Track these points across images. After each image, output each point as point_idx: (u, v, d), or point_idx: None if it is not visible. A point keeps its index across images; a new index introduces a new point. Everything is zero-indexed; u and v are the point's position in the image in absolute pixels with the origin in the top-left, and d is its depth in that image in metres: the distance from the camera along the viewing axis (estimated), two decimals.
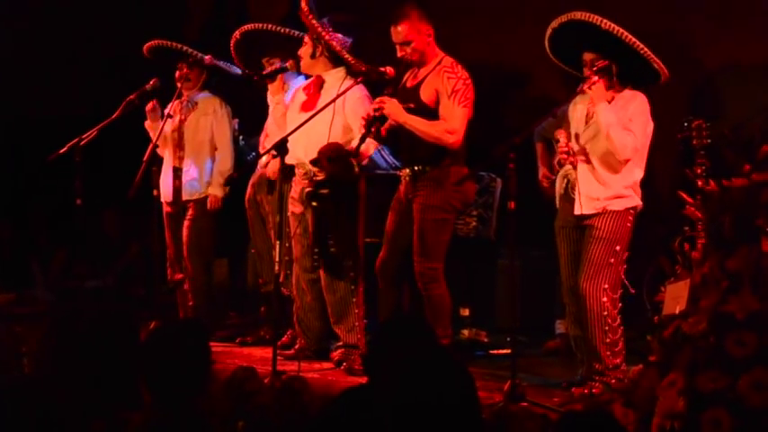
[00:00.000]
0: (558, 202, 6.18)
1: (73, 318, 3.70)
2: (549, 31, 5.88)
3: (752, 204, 4.16)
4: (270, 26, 7.03)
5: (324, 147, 6.37)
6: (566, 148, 5.92)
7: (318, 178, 6.44)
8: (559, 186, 6.11)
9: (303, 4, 6.46)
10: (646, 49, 5.63)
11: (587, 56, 5.86)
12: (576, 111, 6.00)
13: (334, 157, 6.33)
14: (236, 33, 7.16)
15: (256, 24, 7.09)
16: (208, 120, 7.49)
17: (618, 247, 5.76)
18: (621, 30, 5.61)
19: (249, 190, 7.41)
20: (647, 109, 5.79)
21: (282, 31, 6.98)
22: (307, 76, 6.93)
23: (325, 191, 6.40)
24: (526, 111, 7.83)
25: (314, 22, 6.46)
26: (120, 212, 9.13)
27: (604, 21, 5.63)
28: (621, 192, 5.79)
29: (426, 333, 3.97)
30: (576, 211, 5.87)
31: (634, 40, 5.63)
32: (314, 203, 6.44)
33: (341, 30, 6.58)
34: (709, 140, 5.98)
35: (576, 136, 5.94)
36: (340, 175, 6.37)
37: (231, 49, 7.23)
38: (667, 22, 7.27)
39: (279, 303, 6.46)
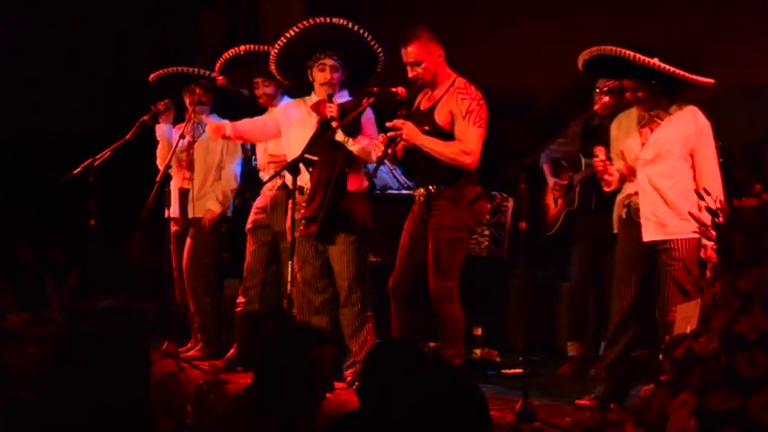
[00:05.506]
0: (617, 227, 6.04)
1: (80, 339, 3.71)
2: (581, 62, 5.83)
3: (762, 224, 4.16)
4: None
5: None
6: (602, 165, 5.89)
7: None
8: (620, 210, 5.99)
9: (349, 24, 6.40)
10: (682, 72, 5.60)
11: (626, 83, 5.88)
12: (622, 128, 5.93)
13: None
14: (218, 65, 7.16)
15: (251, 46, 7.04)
16: (218, 143, 7.49)
17: (693, 270, 5.52)
18: (655, 62, 5.57)
19: (254, 215, 7.26)
20: (710, 132, 5.74)
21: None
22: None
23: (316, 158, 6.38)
24: (536, 131, 7.86)
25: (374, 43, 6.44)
26: (145, 236, 9.15)
27: (637, 56, 5.57)
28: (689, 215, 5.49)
29: (425, 354, 4.00)
30: (646, 238, 5.75)
31: (669, 67, 5.59)
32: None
33: None
34: (720, 160, 5.98)
35: (625, 154, 5.88)
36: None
37: (217, 69, 7.20)
38: (678, 41, 7.29)
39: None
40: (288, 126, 6.73)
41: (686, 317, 4.34)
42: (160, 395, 5.36)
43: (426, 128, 6.18)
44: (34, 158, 9.36)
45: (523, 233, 5.54)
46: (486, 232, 7.28)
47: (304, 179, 6.41)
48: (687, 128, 5.71)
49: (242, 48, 7.03)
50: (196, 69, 7.41)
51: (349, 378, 6.53)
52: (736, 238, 4.16)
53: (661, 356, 6.21)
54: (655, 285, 5.80)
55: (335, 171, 6.37)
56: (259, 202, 7.28)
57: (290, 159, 6.45)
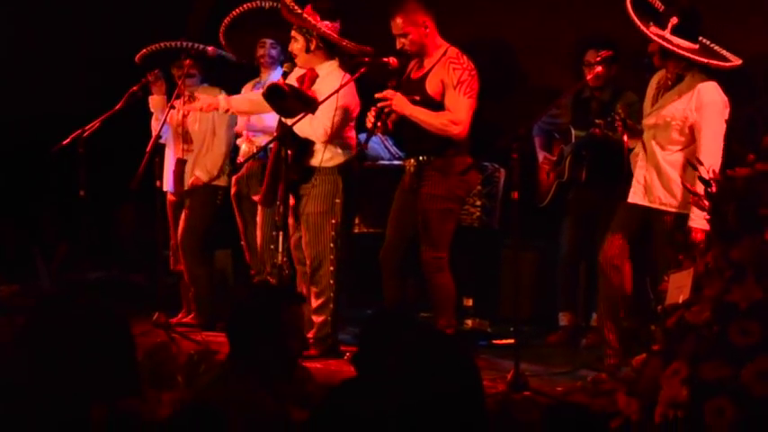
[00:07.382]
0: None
1: (57, 309, 3.69)
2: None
3: (756, 194, 4.15)
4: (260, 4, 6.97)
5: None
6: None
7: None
8: (633, 166, 5.83)
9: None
10: (681, 51, 5.45)
11: None
12: (651, 85, 5.74)
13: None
14: (226, 20, 7.17)
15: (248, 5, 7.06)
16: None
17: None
18: (656, 35, 5.46)
19: (234, 186, 7.40)
20: (718, 110, 5.47)
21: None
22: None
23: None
24: (528, 101, 7.83)
25: (304, 15, 6.33)
26: (135, 207, 9.15)
27: (643, 29, 5.46)
28: (684, 194, 5.38)
29: (421, 324, 4.01)
30: (630, 200, 5.66)
31: (670, 45, 5.44)
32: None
33: (327, 17, 6.46)
34: None
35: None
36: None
37: (221, 37, 7.23)
38: None
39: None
40: None
41: (679, 286, 4.34)
42: (149, 366, 5.36)
43: (416, 98, 6.16)
44: (23, 135, 9.31)
45: (516, 203, 5.52)
46: (478, 203, 7.27)
47: None
48: (690, 101, 5.50)
49: (266, 3, 6.98)
50: (181, 43, 7.36)
51: (313, 352, 6.43)
52: (730, 208, 4.15)
53: (653, 326, 6.23)
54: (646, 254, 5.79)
55: (277, 150, 6.39)
56: (234, 175, 7.36)
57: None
